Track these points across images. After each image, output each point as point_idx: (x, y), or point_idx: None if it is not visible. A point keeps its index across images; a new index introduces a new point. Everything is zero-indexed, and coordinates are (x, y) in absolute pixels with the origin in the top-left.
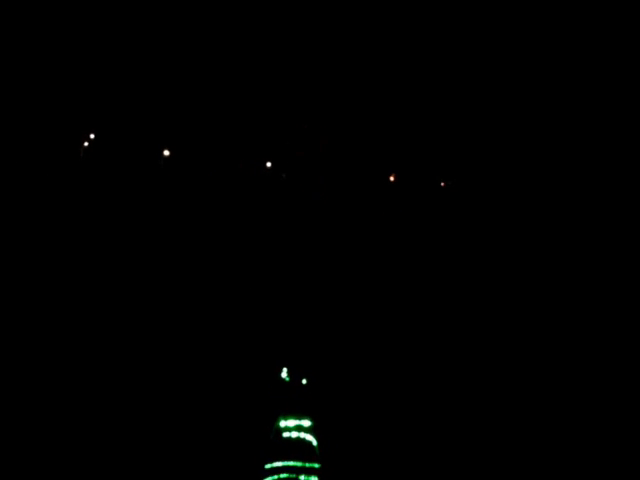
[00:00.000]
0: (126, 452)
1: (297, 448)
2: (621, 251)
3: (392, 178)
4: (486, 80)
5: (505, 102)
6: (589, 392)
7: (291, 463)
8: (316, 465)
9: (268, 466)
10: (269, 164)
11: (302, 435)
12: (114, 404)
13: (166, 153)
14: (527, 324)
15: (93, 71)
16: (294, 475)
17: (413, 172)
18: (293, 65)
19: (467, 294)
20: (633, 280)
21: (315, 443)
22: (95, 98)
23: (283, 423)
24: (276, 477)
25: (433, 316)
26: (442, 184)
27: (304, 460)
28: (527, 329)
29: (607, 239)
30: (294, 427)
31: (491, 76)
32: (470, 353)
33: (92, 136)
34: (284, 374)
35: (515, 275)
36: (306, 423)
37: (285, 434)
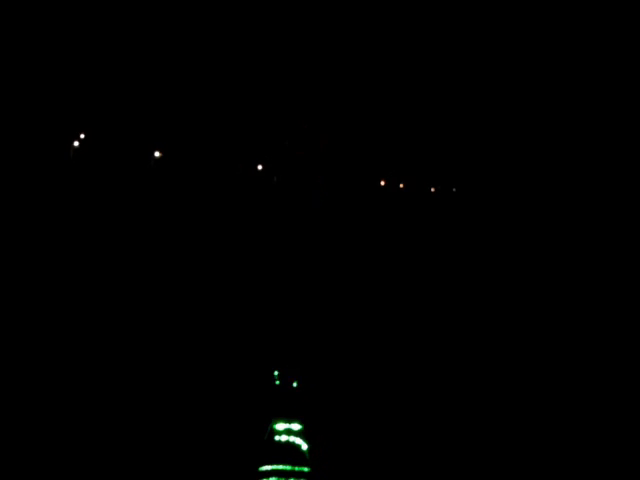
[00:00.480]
0: (119, 452)
1: (287, 452)
2: (615, 255)
3: (382, 182)
4: (480, 88)
5: (497, 111)
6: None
7: (280, 467)
8: (306, 469)
9: (258, 469)
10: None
11: (292, 439)
12: (108, 406)
13: (157, 154)
14: (512, 328)
15: (84, 71)
16: (283, 479)
17: (408, 176)
18: (290, 66)
19: (459, 296)
20: (633, 283)
21: (305, 447)
22: (86, 98)
23: (275, 426)
24: None
25: (424, 319)
26: (432, 190)
27: (294, 464)
28: (512, 333)
29: (603, 243)
30: (284, 431)
31: (484, 85)
32: (460, 357)
33: (82, 136)
34: (275, 377)
35: (504, 278)
36: (296, 427)
37: (275, 437)
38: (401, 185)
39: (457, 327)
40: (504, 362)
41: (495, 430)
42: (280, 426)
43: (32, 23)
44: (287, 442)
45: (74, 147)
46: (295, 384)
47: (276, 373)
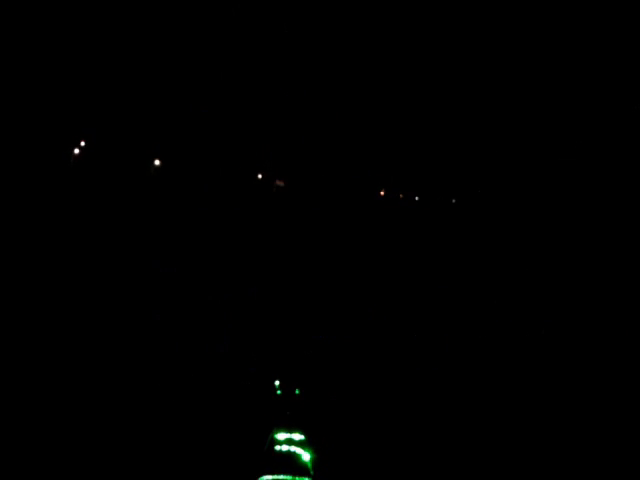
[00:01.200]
0: (120, 462)
1: (288, 462)
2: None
3: (382, 193)
4: (477, 99)
5: (496, 122)
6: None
7: (281, 477)
8: (307, 479)
9: None
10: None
11: (293, 449)
12: (110, 415)
13: (157, 162)
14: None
15: (85, 77)
16: None
17: (408, 186)
18: (288, 75)
19: (458, 306)
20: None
21: (307, 457)
22: (86, 105)
23: (276, 436)
24: None
25: (424, 329)
26: (431, 200)
27: (295, 474)
28: (511, 343)
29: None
30: (286, 440)
31: (481, 96)
32: (459, 366)
33: (83, 143)
34: (276, 386)
35: (502, 287)
36: (298, 436)
37: (277, 447)
38: (401, 195)
39: (457, 337)
40: (503, 380)
41: (496, 443)
42: (281, 436)
43: (31, 31)
44: (288, 452)
45: (74, 154)
46: (297, 393)
47: (277, 382)
